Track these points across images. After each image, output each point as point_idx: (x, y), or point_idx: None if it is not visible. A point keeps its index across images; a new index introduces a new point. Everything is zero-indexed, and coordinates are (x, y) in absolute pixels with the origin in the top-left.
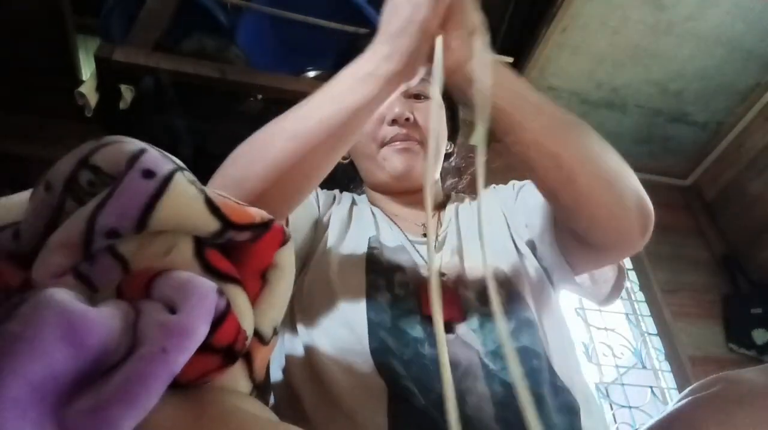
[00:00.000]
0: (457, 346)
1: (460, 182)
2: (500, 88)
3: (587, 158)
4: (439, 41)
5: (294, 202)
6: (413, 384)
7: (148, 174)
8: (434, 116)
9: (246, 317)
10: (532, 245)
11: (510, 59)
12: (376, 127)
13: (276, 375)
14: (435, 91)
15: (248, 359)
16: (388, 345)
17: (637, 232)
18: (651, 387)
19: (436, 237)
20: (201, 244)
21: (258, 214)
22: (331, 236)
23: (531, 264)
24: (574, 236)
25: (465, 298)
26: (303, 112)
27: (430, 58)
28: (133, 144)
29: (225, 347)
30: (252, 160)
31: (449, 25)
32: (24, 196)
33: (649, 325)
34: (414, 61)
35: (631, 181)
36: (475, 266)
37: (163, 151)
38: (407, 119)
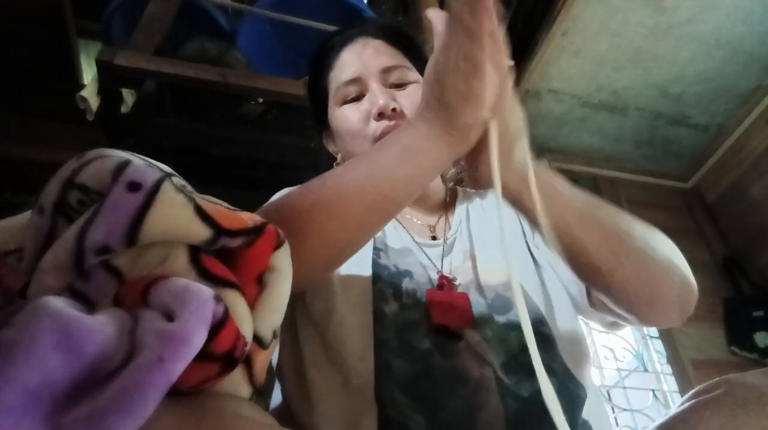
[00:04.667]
0: (468, 357)
1: (460, 172)
2: (554, 204)
3: (639, 264)
4: (493, 126)
5: (329, 267)
6: (416, 406)
7: (134, 187)
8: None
9: (245, 322)
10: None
11: (510, 62)
12: (362, 124)
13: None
14: (496, 181)
15: (248, 363)
16: (391, 367)
17: (675, 319)
18: (653, 390)
19: (445, 240)
20: (196, 251)
21: (250, 218)
22: None
23: (548, 275)
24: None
25: (477, 304)
26: (346, 181)
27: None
28: (117, 157)
29: (224, 354)
30: (284, 223)
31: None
32: (26, 217)
33: (651, 327)
34: (467, 140)
35: (676, 275)
36: (489, 271)
37: (149, 159)
38: (393, 110)
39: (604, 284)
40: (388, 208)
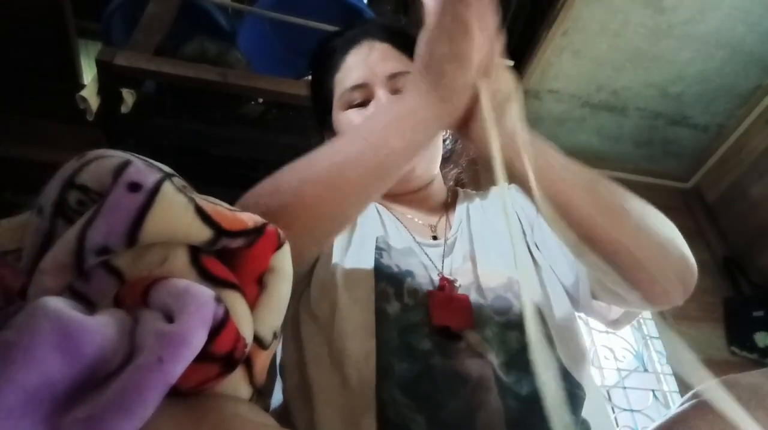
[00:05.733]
0: (467, 356)
1: (460, 172)
2: (547, 170)
3: (635, 235)
4: (483, 87)
5: (323, 240)
6: (416, 407)
7: (134, 187)
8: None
9: (245, 323)
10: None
11: (510, 63)
12: None
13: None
14: (493, 140)
15: (248, 364)
16: (393, 368)
17: (677, 296)
18: (653, 390)
19: (445, 240)
20: (197, 251)
21: (251, 219)
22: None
23: (547, 276)
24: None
25: (477, 305)
26: (341, 151)
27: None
28: (117, 157)
29: (224, 355)
30: (278, 196)
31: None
32: (26, 217)
33: (651, 328)
34: (457, 104)
35: (675, 249)
36: (489, 273)
37: (149, 160)
38: None
39: (604, 257)
40: (382, 177)
